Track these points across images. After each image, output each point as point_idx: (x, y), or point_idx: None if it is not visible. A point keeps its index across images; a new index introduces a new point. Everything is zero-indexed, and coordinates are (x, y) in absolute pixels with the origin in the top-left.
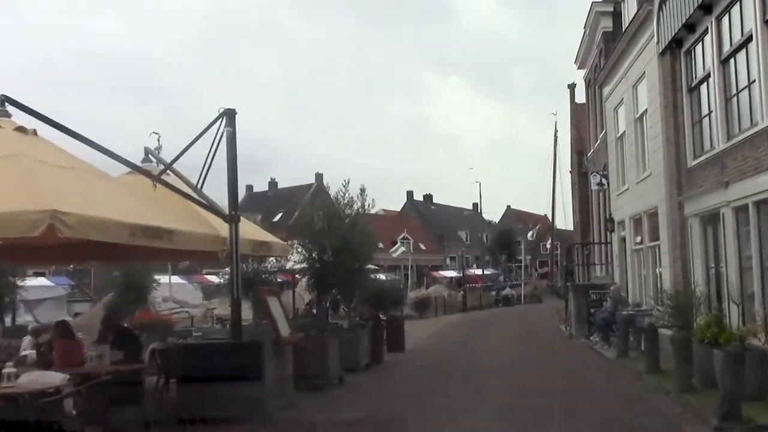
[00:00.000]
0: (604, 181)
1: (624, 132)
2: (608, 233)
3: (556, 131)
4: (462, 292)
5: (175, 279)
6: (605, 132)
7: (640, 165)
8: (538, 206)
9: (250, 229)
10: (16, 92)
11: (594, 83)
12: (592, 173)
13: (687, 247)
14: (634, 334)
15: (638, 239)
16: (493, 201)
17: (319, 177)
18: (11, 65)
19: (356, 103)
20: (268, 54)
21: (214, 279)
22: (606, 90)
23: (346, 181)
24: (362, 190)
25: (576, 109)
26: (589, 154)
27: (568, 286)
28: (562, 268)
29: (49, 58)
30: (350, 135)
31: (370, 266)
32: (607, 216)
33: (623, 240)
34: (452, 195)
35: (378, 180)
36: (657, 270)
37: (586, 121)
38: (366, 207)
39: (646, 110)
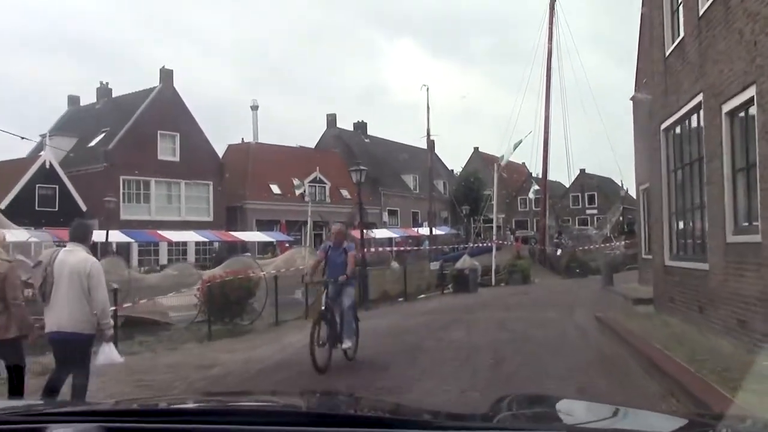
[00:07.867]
0: None
1: None
2: None
3: (552, 8)
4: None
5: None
6: None
7: None
8: (517, 156)
9: None
10: None
11: None
12: None
13: None
14: None
15: None
16: (454, 154)
17: (166, 75)
18: None
19: (306, 68)
20: (217, 16)
21: None
22: None
23: None
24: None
25: None
26: None
27: None
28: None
29: None
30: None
31: None
32: None
33: None
34: (400, 138)
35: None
36: None
37: None
38: None
39: None
